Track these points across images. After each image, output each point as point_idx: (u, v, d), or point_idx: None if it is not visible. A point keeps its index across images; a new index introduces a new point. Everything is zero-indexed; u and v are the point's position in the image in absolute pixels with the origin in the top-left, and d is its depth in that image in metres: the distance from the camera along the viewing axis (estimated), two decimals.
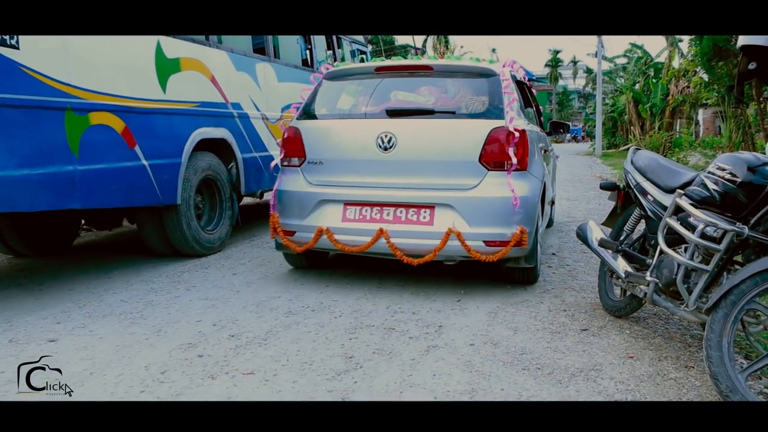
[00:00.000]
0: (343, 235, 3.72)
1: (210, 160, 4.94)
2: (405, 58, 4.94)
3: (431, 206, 3.64)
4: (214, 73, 4.99)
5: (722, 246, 2.35)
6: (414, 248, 3.63)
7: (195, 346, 2.87)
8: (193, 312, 3.40)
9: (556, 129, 5.59)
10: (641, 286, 2.90)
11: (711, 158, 11.43)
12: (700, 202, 2.52)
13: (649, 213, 3.00)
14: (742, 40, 2.49)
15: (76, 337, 3.01)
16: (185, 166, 4.57)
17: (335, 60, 7.56)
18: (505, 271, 3.92)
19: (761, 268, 2.15)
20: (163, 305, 3.53)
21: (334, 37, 7.64)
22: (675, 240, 2.71)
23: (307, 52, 7.06)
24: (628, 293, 3.18)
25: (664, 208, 2.80)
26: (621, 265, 3.10)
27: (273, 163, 4.39)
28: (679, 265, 2.58)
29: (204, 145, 4.83)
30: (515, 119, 3.72)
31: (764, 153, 2.54)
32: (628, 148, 12.42)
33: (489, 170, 3.60)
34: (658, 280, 2.74)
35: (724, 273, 2.47)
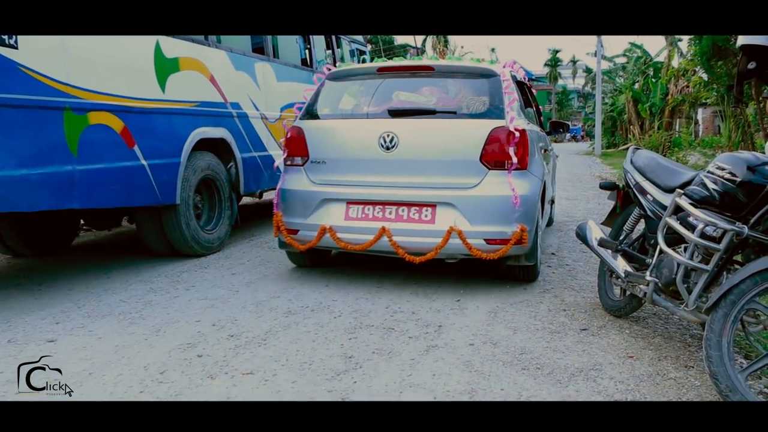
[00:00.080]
0: (345, 233, 3.77)
1: (209, 159, 4.94)
2: (404, 57, 5.00)
3: (433, 205, 3.68)
4: (213, 72, 4.98)
5: (722, 245, 2.35)
6: (416, 246, 3.67)
7: (194, 346, 2.87)
8: (193, 312, 3.40)
9: (556, 129, 5.64)
10: (641, 286, 2.90)
11: (710, 158, 11.43)
12: (699, 202, 2.52)
13: (649, 212, 3.00)
14: (742, 39, 2.49)
15: (75, 337, 3.00)
16: (184, 166, 4.56)
17: (334, 59, 7.56)
18: (505, 268, 3.97)
19: (761, 267, 2.15)
20: (162, 305, 3.53)
21: (333, 37, 7.64)
22: (675, 239, 2.70)
23: (307, 51, 7.05)
24: (628, 293, 3.18)
25: (664, 207, 2.80)
26: (621, 265, 3.10)
27: (276, 163, 4.43)
28: (678, 265, 2.58)
29: (203, 144, 4.83)
30: (515, 119, 3.76)
31: (764, 152, 2.53)
32: (627, 148, 12.42)
33: (490, 169, 3.65)
34: (657, 280, 2.74)
35: (724, 273, 2.48)
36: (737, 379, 2.12)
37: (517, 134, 3.64)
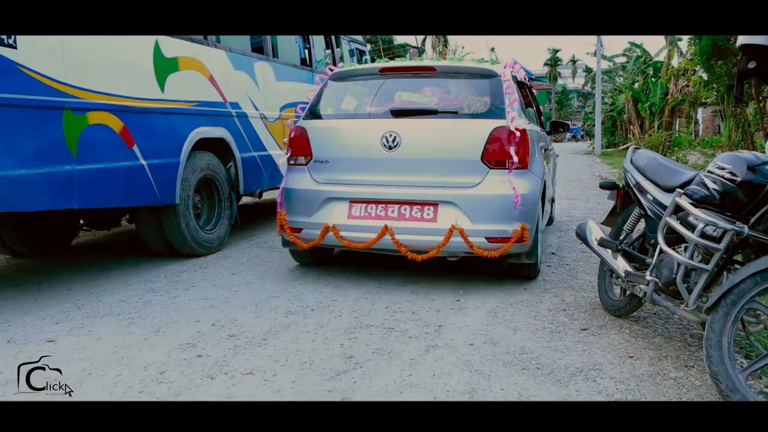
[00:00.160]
0: (348, 231, 3.81)
1: (208, 159, 4.93)
2: (404, 57, 5.05)
3: (435, 203, 3.73)
4: (213, 72, 4.98)
5: (722, 245, 2.34)
6: (418, 244, 3.71)
7: (194, 346, 2.87)
8: (192, 312, 3.39)
9: (556, 128, 5.70)
10: (641, 286, 2.90)
11: (710, 157, 11.43)
12: (699, 201, 2.51)
13: (649, 212, 3.00)
14: (742, 39, 2.48)
15: (74, 337, 3.00)
16: (184, 166, 4.56)
17: (334, 59, 7.55)
18: (506, 266, 4.01)
19: (761, 267, 2.14)
20: (161, 305, 3.52)
21: (332, 37, 7.63)
22: (675, 239, 2.70)
23: (306, 51, 7.05)
24: (628, 292, 3.18)
25: (664, 207, 2.80)
26: (621, 265, 3.10)
27: (281, 162, 4.49)
28: (678, 265, 2.57)
29: (202, 144, 4.82)
30: (516, 119, 3.80)
31: (764, 152, 2.53)
32: (627, 147, 12.42)
33: (491, 168, 3.69)
34: (657, 280, 2.74)
35: (724, 272, 2.47)
36: (737, 379, 2.12)
37: (518, 134, 3.68)
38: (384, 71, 4.20)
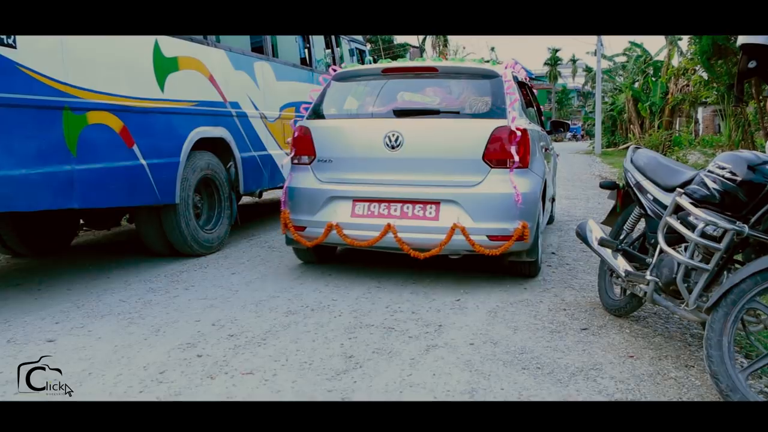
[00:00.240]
0: (352, 230, 3.86)
1: (208, 159, 4.93)
2: (404, 56, 5.10)
3: (437, 202, 3.77)
4: (213, 72, 4.97)
5: (722, 245, 2.34)
6: (420, 242, 3.76)
7: (194, 345, 2.86)
8: (192, 312, 3.39)
9: (557, 128, 5.77)
10: (641, 285, 2.90)
11: (711, 157, 11.43)
12: (700, 201, 2.51)
13: (649, 212, 2.99)
14: (742, 38, 2.48)
15: (74, 337, 3.00)
16: (183, 166, 4.56)
17: (334, 58, 7.56)
18: (507, 264, 4.05)
19: (761, 267, 2.14)
20: (161, 305, 3.52)
21: (332, 36, 7.63)
22: (675, 239, 2.70)
23: (306, 50, 7.05)
24: (628, 292, 3.18)
25: (664, 206, 2.80)
26: (621, 264, 3.10)
27: (285, 160, 4.55)
28: (679, 264, 2.57)
29: (202, 144, 4.82)
30: (517, 119, 3.85)
31: (764, 151, 2.53)
32: (627, 147, 12.42)
33: (492, 168, 3.74)
34: (658, 279, 2.74)
35: (725, 272, 2.47)
36: (738, 379, 2.12)
37: (519, 133, 3.73)
38: (386, 72, 4.27)
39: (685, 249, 2.60)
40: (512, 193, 3.66)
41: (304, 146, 4.09)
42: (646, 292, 2.83)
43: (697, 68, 14.41)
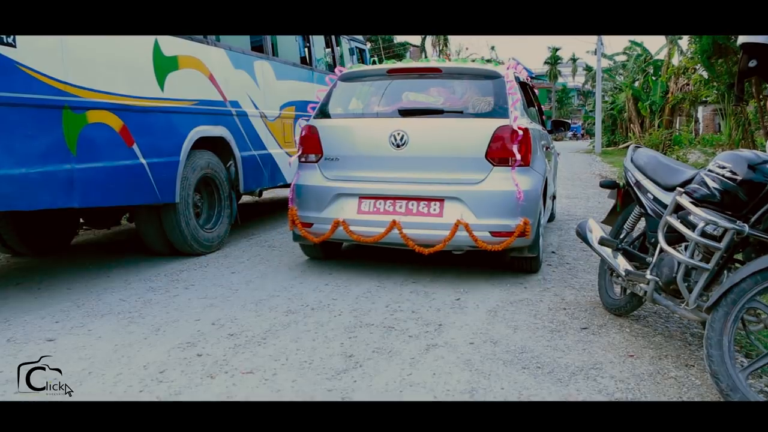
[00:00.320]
0: (358, 226, 3.95)
1: (208, 158, 4.93)
2: (404, 55, 5.17)
3: (441, 199, 3.86)
4: (212, 71, 4.97)
5: (723, 244, 2.34)
6: (425, 238, 3.84)
7: (194, 345, 2.86)
8: (192, 311, 3.39)
9: (557, 127, 5.89)
10: (641, 285, 2.89)
11: (711, 156, 11.43)
12: (700, 200, 2.51)
13: (649, 211, 2.99)
14: (742, 38, 2.48)
15: (74, 336, 3.00)
16: (183, 165, 4.55)
17: (334, 58, 7.56)
18: (509, 261, 4.14)
19: (762, 266, 2.14)
20: (162, 304, 3.52)
21: (332, 35, 7.62)
22: (675, 238, 2.70)
23: (306, 50, 7.04)
24: (628, 291, 3.17)
25: (664, 206, 2.79)
26: (621, 264, 3.10)
27: (291, 160, 4.67)
28: (679, 264, 2.57)
29: (202, 143, 4.82)
30: (519, 118, 3.94)
31: (764, 151, 2.53)
32: (627, 146, 12.41)
33: (494, 166, 3.83)
34: (658, 279, 2.73)
35: (725, 271, 2.47)
36: (738, 378, 2.12)
37: (521, 132, 3.82)
38: (391, 72, 4.36)
39: (686, 248, 2.59)
40: (514, 190, 3.74)
41: (311, 145, 4.18)
42: (646, 292, 2.82)
43: (697, 67, 14.41)
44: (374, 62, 5.47)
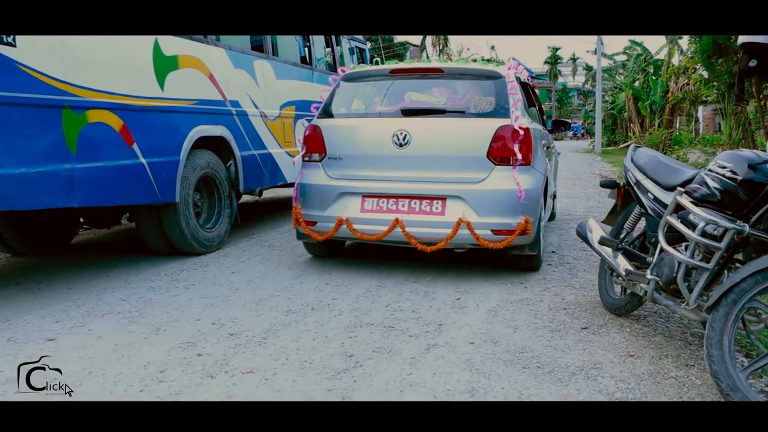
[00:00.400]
0: (361, 224, 4.00)
1: (208, 158, 4.93)
2: (404, 55, 5.22)
3: (443, 198, 3.91)
4: (212, 70, 4.97)
5: (723, 244, 2.34)
6: (427, 237, 3.89)
7: (194, 344, 2.86)
8: (192, 310, 3.39)
9: (558, 127, 5.94)
10: (642, 284, 2.89)
11: (711, 156, 11.42)
12: (700, 200, 2.51)
13: (650, 211, 2.99)
14: (743, 37, 2.48)
15: (74, 336, 3.00)
16: (183, 164, 4.55)
17: (334, 57, 7.55)
18: (510, 259, 4.19)
19: (762, 266, 2.14)
20: (162, 304, 3.52)
21: (332, 35, 7.62)
22: (675, 238, 2.70)
23: (306, 49, 7.04)
24: (629, 291, 3.17)
25: (665, 205, 2.79)
26: (621, 263, 3.10)
27: (295, 159, 4.74)
28: (679, 264, 2.57)
29: (202, 143, 4.82)
30: (520, 118, 3.98)
31: (765, 150, 2.53)
32: (627, 146, 12.41)
33: (496, 165, 3.88)
34: (658, 278, 2.73)
35: (725, 271, 2.47)
36: (738, 378, 2.12)
37: (522, 132, 3.87)
38: (394, 72, 4.41)
39: (686, 248, 2.59)
40: (515, 189, 3.79)
41: (315, 144, 4.22)
42: (646, 291, 2.82)
43: (697, 67, 14.41)
44: (376, 62, 5.48)
